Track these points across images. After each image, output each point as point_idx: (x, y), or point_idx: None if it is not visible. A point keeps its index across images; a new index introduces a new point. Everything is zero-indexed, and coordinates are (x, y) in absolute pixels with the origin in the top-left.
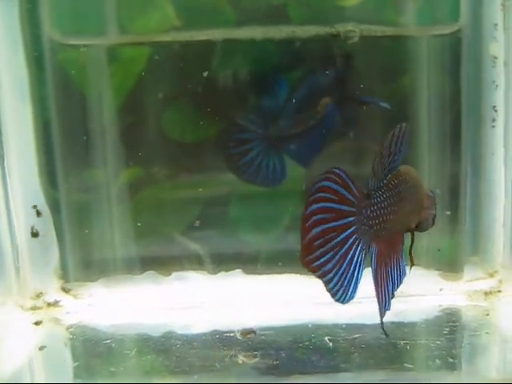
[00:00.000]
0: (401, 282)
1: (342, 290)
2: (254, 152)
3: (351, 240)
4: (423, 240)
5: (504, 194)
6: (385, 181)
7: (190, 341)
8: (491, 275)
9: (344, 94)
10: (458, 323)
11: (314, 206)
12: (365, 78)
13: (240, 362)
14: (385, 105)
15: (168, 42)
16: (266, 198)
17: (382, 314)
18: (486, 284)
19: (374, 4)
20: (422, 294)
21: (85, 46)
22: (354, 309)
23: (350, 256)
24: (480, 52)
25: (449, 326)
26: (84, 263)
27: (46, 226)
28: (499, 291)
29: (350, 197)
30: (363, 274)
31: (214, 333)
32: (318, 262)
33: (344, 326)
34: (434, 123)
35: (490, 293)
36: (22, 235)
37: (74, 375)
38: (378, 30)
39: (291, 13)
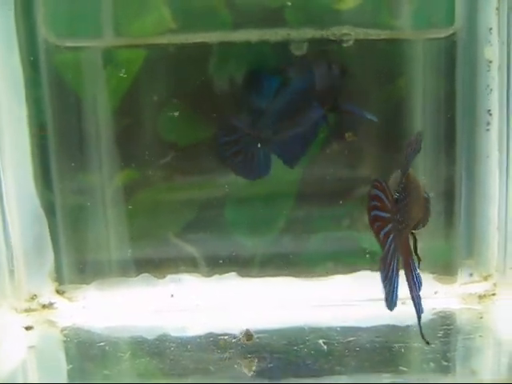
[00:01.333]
0: (421, 283)
1: (390, 297)
2: (240, 144)
3: (392, 246)
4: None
5: (498, 197)
6: (402, 185)
7: (184, 343)
8: (485, 278)
9: (332, 103)
10: (452, 326)
11: (372, 213)
12: (360, 81)
13: (236, 365)
14: (371, 117)
15: (164, 45)
16: (261, 201)
17: (419, 319)
18: (481, 287)
19: (369, 8)
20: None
21: (80, 48)
22: (348, 312)
23: (392, 263)
24: (475, 56)
25: (443, 329)
26: (79, 265)
27: (41, 228)
28: (493, 294)
29: (388, 204)
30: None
31: (209, 336)
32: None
33: (339, 329)
34: (429, 126)
35: (485, 296)
36: (17, 237)
37: (67, 378)
38: (373, 33)
39: (287, 16)
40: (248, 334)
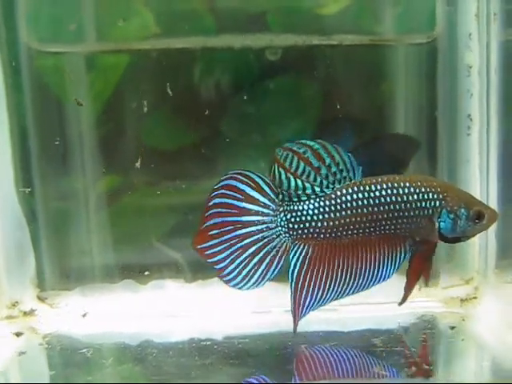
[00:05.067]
0: None
1: None
2: None
3: None
4: None
5: None
6: None
7: (166, 349)
8: (467, 282)
9: None
10: (434, 330)
11: None
12: (343, 86)
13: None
14: None
15: (147, 50)
16: None
17: None
18: (462, 291)
19: (352, 13)
20: (399, 300)
21: (63, 53)
22: (330, 316)
23: None
24: (455, 61)
25: (425, 332)
26: (61, 272)
27: (23, 234)
28: (475, 298)
29: None
30: None
31: (191, 341)
32: None
33: (321, 333)
34: (411, 130)
35: (466, 299)
36: None
37: None
38: (356, 38)
39: (270, 21)
40: None
